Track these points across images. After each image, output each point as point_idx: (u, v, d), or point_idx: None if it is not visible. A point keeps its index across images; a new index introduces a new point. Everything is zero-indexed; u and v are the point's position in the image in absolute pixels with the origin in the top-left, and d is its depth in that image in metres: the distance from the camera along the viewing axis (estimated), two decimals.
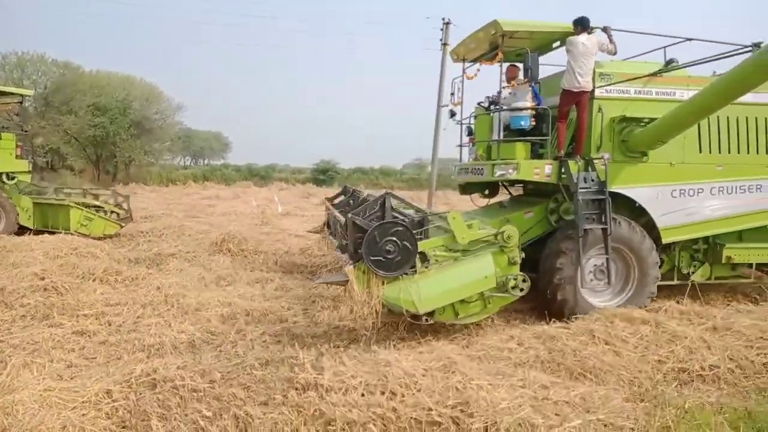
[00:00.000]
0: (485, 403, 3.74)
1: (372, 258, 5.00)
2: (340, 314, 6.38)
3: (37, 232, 10.98)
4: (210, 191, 29.24)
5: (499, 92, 7.40)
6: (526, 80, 7.03)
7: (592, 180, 6.42)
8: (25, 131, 13.34)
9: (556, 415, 3.73)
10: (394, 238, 5.03)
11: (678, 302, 6.52)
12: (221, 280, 8.03)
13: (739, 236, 7.25)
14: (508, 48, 7.24)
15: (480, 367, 4.61)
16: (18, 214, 11.69)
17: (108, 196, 13.10)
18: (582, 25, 6.59)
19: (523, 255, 5.68)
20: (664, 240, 6.87)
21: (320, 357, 4.68)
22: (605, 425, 3.63)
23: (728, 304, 7.01)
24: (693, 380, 4.68)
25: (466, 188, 8.79)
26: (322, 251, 10.17)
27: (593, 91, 6.63)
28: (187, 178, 40.30)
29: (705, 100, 5.81)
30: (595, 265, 6.54)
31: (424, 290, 5.10)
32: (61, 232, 10.77)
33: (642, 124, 6.66)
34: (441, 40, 24.40)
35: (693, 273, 7.29)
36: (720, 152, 7.00)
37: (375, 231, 5.05)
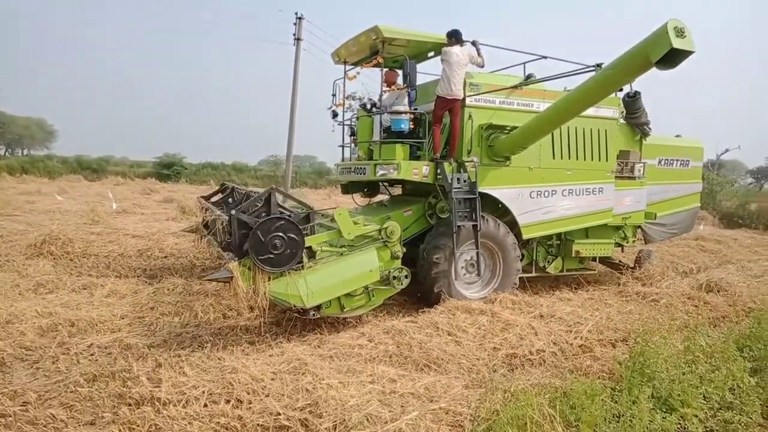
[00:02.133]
0: (335, 402, 3.74)
1: (258, 254, 4.99)
2: (183, 320, 5.97)
3: None
4: (30, 185, 25.57)
5: (380, 96, 7.66)
6: (405, 86, 7.40)
7: (464, 181, 6.94)
8: None
9: (401, 406, 3.85)
10: (281, 234, 5.09)
11: (511, 293, 7.17)
12: (40, 288, 7.03)
13: (586, 233, 8.35)
14: (387, 54, 7.65)
15: (331, 366, 4.61)
16: None
17: None
18: (455, 37, 7.03)
19: (404, 250, 6.15)
20: (525, 236, 7.61)
21: (158, 368, 4.34)
22: (446, 412, 3.83)
23: (552, 294, 7.89)
24: (522, 364, 5.16)
25: (348, 187, 9.17)
26: (164, 252, 9.44)
27: (464, 99, 7.14)
28: (1, 169, 34.86)
29: (556, 111, 6.59)
30: (466, 259, 7.12)
31: (312, 285, 5.19)
32: None
33: (505, 131, 7.33)
34: (294, 34, 24.12)
35: (548, 266, 8.28)
36: (570, 158, 7.92)
37: (261, 227, 5.03)
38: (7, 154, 58.74)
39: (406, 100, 7.46)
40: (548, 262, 8.31)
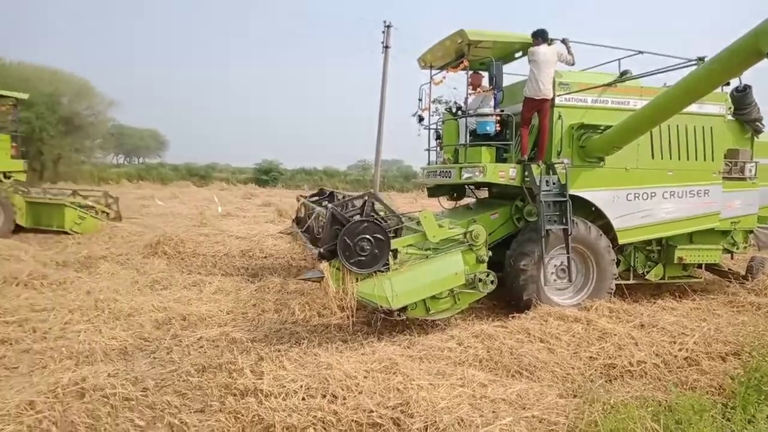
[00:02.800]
0: (425, 402, 3.79)
1: (347, 255, 5.22)
2: (282, 317, 6.30)
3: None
4: (145, 191, 28.08)
5: (466, 99, 7.68)
6: (490, 88, 7.37)
7: (554, 183, 6.73)
8: (19, 133, 13.57)
9: (492, 412, 3.83)
10: (368, 236, 5.28)
11: (608, 301, 6.84)
12: (156, 284, 7.72)
13: (690, 238, 7.77)
14: (473, 57, 7.63)
15: (421, 367, 4.67)
16: (15, 213, 12.00)
17: (99, 196, 13.96)
18: (541, 36, 6.93)
19: (490, 254, 6.04)
20: (621, 241, 7.27)
21: (260, 361, 4.61)
22: (540, 421, 3.76)
23: (654, 302, 7.43)
24: (622, 375, 4.91)
25: (434, 191, 9.19)
26: (264, 253, 10.00)
27: (554, 99, 6.95)
28: (121, 177, 38.56)
29: (655, 109, 6.20)
30: (556, 264, 6.91)
31: (397, 286, 5.32)
32: (54, 230, 11.87)
33: (599, 131, 7.01)
34: (383, 42, 24.57)
35: (648, 272, 7.79)
36: (671, 158, 7.44)
37: (350, 228, 5.27)
38: (125, 162, 64.72)
39: (492, 102, 7.41)
40: (648, 268, 7.84)
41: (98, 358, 4.89)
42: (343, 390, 3.97)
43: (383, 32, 24.53)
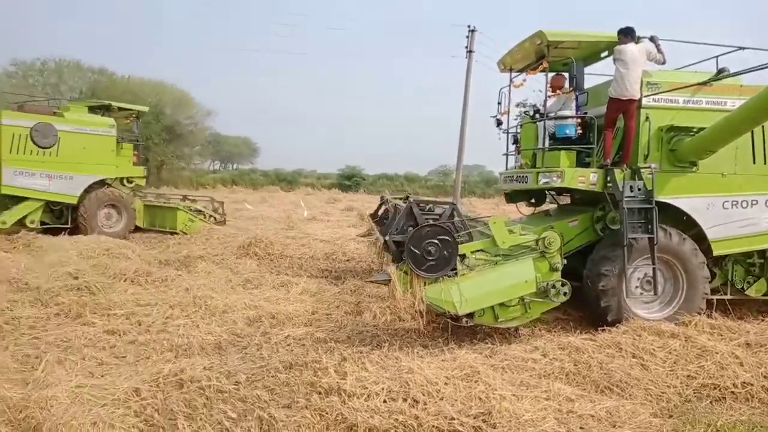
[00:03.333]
0: (508, 414, 3.72)
1: (414, 259, 5.32)
2: (364, 319, 6.42)
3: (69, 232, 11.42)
4: (238, 195, 29.69)
5: (545, 101, 7.44)
6: (571, 89, 7.12)
7: (639, 189, 6.32)
8: (140, 142, 15.14)
9: (580, 428, 3.69)
10: (435, 240, 5.33)
11: (709, 316, 6.36)
12: (248, 283, 8.15)
13: None
14: (554, 58, 7.34)
15: (503, 377, 4.58)
16: (135, 215, 13.58)
17: (207, 201, 15.42)
18: (629, 34, 6.54)
19: (565, 262, 5.81)
20: (716, 252, 6.71)
21: (343, 362, 4.72)
22: None
23: (762, 320, 6.80)
24: (725, 397, 4.55)
25: (512, 196, 8.76)
26: (347, 256, 10.24)
27: (641, 99, 6.55)
28: (216, 182, 41.03)
29: (757, 108, 5.58)
30: (639, 277, 6.45)
31: (465, 292, 5.23)
32: (167, 231, 13.21)
33: (691, 133, 6.52)
34: (466, 47, 24.39)
35: (748, 287, 7.09)
36: None
37: (418, 231, 5.41)
38: (220, 168, 68.68)
39: (573, 105, 7.09)
40: (748, 283, 7.09)
41: (195, 351, 5.23)
42: (424, 395, 3.98)
43: (467, 36, 24.38)
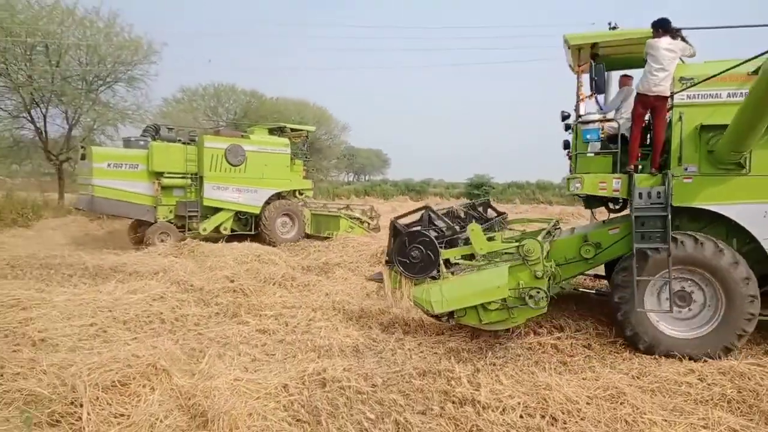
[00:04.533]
0: None
1: (400, 261, 5.98)
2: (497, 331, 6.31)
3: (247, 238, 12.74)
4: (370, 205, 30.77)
5: (577, 104, 6.98)
6: (592, 93, 6.74)
7: (657, 195, 5.83)
8: (308, 158, 17.57)
9: None
10: (419, 246, 5.89)
11: None
12: (381, 290, 8.41)
13: None
14: (601, 58, 6.80)
15: (653, 400, 4.23)
16: (305, 223, 15.58)
17: (366, 210, 17.05)
18: (663, 27, 6.02)
19: (553, 270, 5.99)
20: None
21: (476, 373, 4.70)
22: None
23: None
24: None
25: (589, 202, 8.02)
26: None
27: (672, 96, 5.96)
28: (350, 193, 42.95)
29: (759, 91, 4.61)
30: (675, 289, 5.79)
31: (444, 293, 5.63)
32: (329, 237, 14.66)
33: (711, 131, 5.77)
34: None
35: None
36: None
37: (402, 238, 5.99)
38: (354, 180, 71.79)
39: (596, 108, 6.89)
40: None
41: (335, 352, 5.54)
42: (563, 414, 3.82)
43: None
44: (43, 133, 21.69)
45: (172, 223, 13.71)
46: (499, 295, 5.57)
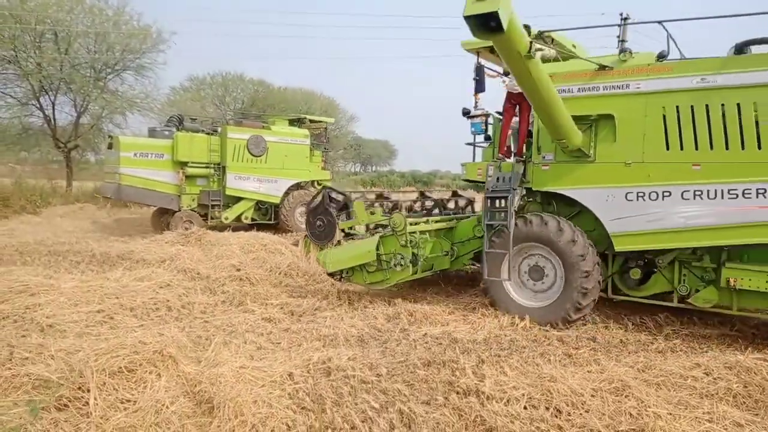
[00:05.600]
0: None
1: (309, 230, 8.16)
2: (501, 323, 6.32)
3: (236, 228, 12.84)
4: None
5: (475, 102, 7.91)
6: (476, 93, 7.49)
7: (508, 179, 6.59)
8: (328, 150, 17.77)
9: None
10: (322, 217, 7.79)
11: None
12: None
13: (742, 255, 5.90)
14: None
15: (658, 394, 4.22)
16: None
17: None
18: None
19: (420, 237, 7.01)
20: (618, 248, 6.19)
21: (480, 364, 4.70)
22: None
23: None
24: None
25: (478, 186, 9.82)
26: None
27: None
28: (357, 183, 42.95)
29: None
30: (530, 264, 6.59)
31: (332, 256, 7.11)
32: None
33: (586, 122, 6.27)
34: (618, 36, 22.71)
35: (694, 294, 6.16)
36: (698, 149, 5.71)
37: (309, 211, 8.10)
38: (361, 170, 71.73)
39: (476, 104, 7.63)
40: (695, 290, 6.12)
41: (340, 342, 5.56)
42: (568, 406, 3.82)
43: (619, 26, 22.69)
44: (52, 120, 21.80)
45: (195, 211, 13.96)
46: (369, 258, 6.84)
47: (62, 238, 11.78)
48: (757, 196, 5.40)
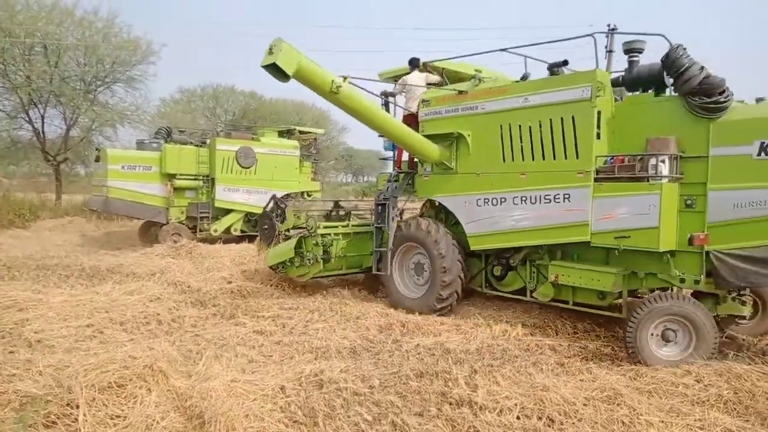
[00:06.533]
0: None
1: (259, 231, 9.26)
2: (494, 333, 6.32)
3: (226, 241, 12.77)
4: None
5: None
6: None
7: (390, 189, 7.93)
8: (317, 161, 17.78)
9: None
10: (266, 222, 8.84)
11: None
12: (378, 292, 8.43)
13: (564, 253, 6.67)
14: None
15: (650, 402, 4.24)
16: None
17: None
18: (412, 64, 7.98)
19: (326, 239, 8.25)
20: (472, 247, 7.16)
21: (473, 374, 4.70)
22: None
23: None
24: None
25: None
26: None
27: (417, 114, 7.69)
28: (349, 194, 42.96)
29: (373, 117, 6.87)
30: (414, 262, 7.70)
31: (271, 253, 8.42)
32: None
33: (450, 138, 7.29)
34: (606, 47, 23.05)
35: (537, 289, 6.82)
36: (523, 160, 6.61)
37: (260, 217, 9.47)
38: (352, 180, 71.77)
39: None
40: (540, 284, 6.81)
41: (332, 354, 5.54)
42: (560, 415, 3.83)
43: (606, 36, 23.06)
44: (41, 133, 21.67)
45: (183, 224, 13.88)
46: (288, 256, 8.12)
47: (51, 252, 11.66)
48: (563, 201, 6.17)
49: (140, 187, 13.43)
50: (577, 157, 6.09)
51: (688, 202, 5.59)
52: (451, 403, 4.12)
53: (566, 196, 6.13)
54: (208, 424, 3.72)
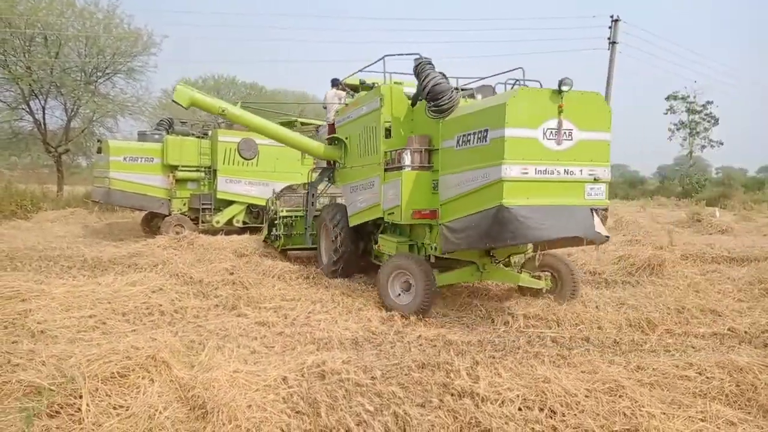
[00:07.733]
0: None
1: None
2: (496, 325, 6.32)
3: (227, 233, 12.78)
4: None
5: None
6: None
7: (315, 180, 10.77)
8: None
9: None
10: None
11: None
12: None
13: (384, 228, 8.53)
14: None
15: (652, 394, 4.24)
16: None
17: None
18: (332, 83, 10.03)
19: (283, 221, 10.88)
20: (351, 224, 8.83)
21: (475, 365, 4.70)
22: None
23: None
24: None
25: None
26: None
27: (334, 123, 9.68)
28: None
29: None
30: (331, 238, 9.26)
31: (264, 231, 11.15)
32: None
33: (341, 140, 9.25)
34: (609, 38, 22.98)
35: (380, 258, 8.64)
36: (360, 156, 8.60)
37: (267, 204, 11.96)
38: None
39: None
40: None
41: (334, 345, 5.55)
42: (562, 406, 3.83)
43: (610, 27, 22.98)
44: (42, 124, 21.66)
45: (185, 215, 13.93)
46: (264, 234, 11.28)
47: (53, 243, 11.68)
48: (372, 187, 7.95)
49: (142, 178, 13.50)
50: (376, 153, 7.82)
51: (434, 185, 6.99)
52: (452, 395, 4.12)
53: (371, 183, 8.01)
54: (211, 414, 3.73)
